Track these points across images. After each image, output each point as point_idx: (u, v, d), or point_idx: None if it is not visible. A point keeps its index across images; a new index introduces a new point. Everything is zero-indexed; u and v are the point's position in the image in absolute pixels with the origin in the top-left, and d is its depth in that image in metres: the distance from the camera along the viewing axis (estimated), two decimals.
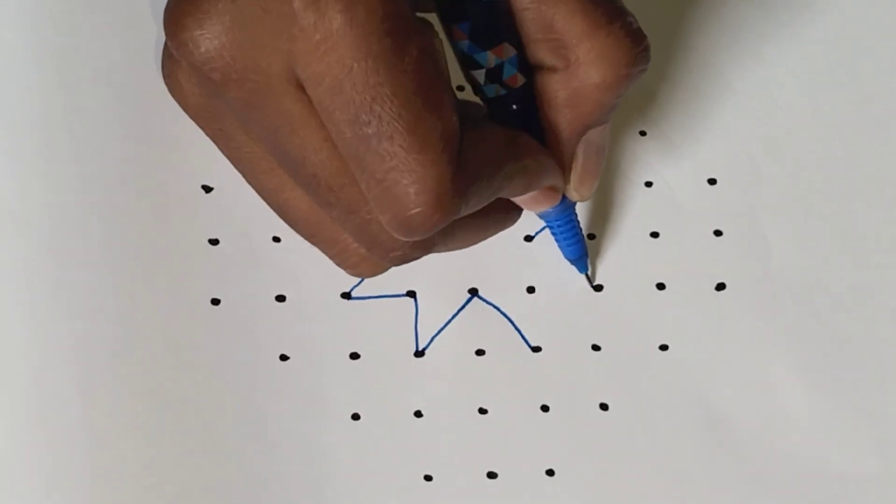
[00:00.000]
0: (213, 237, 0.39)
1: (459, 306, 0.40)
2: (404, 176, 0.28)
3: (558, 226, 0.37)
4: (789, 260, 0.40)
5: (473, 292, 0.40)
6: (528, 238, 0.40)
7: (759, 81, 0.41)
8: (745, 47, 0.42)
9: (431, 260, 0.40)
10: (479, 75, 0.31)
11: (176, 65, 0.33)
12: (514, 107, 0.32)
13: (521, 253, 0.40)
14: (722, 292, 0.40)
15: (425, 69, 0.28)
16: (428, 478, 0.39)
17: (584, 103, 0.32)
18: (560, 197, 0.35)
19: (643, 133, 0.41)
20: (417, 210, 0.28)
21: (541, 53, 0.31)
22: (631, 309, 0.40)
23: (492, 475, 0.39)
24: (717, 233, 0.40)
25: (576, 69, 0.31)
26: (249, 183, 0.34)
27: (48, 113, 0.40)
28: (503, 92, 0.32)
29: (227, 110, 0.31)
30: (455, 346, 0.40)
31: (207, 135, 0.34)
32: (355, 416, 0.39)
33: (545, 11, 0.30)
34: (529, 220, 0.40)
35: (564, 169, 0.34)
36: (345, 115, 0.28)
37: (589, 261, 0.39)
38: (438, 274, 0.40)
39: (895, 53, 0.42)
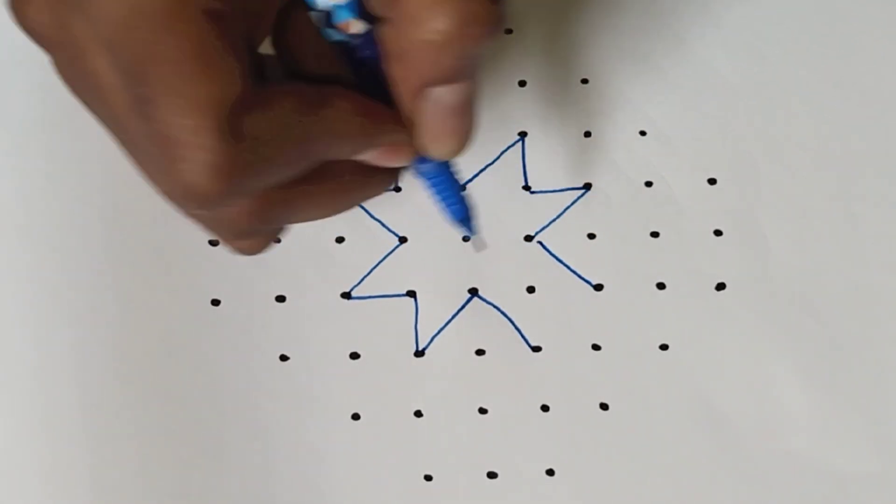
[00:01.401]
0: (214, 238, 0.39)
1: (459, 306, 0.40)
2: (176, 142, 0.26)
3: (433, 184, 0.34)
4: (789, 260, 0.40)
5: (473, 292, 0.40)
6: (528, 238, 0.40)
7: (759, 81, 0.41)
8: (745, 47, 0.42)
9: (431, 260, 0.40)
10: (315, 17, 0.29)
11: None
12: (360, 55, 0.30)
13: (520, 253, 0.40)
14: (722, 292, 0.40)
15: (204, 32, 0.26)
16: (428, 477, 0.39)
17: (416, 60, 0.28)
18: (412, 152, 0.32)
19: (643, 133, 0.41)
20: (191, 180, 0.26)
21: (374, 3, 0.29)
22: (631, 309, 0.40)
23: (492, 475, 0.39)
24: (717, 233, 0.40)
25: (406, 24, 0.28)
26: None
27: (48, 114, 0.40)
28: (340, 37, 0.30)
29: (63, 78, 0.30)
30: (455, 345, 0.40)
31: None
32: (355, 416, 0.39)
33: None
34: (529, 220, 0.40)
35: (408, 123, 0.31)
36: (122, 77, 0.26)
37: (475, 222, 0.35)
38: (438, 274, 0.40)
39: (895, 53, 0.41)
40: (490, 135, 0.41)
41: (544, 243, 0.40)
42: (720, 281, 0.40)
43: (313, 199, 0.31)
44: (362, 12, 0.29)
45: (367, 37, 0.30)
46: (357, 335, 0.40)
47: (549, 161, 0.41)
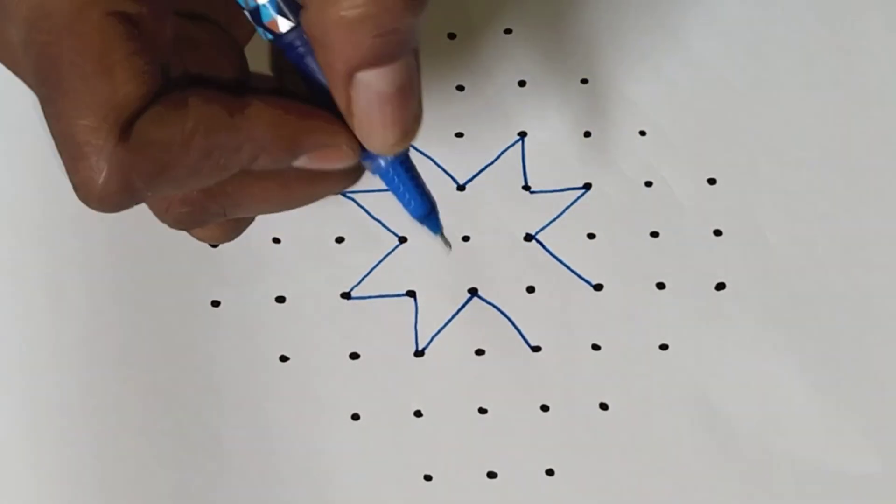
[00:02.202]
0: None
1: (459, 306, 0.40)
2: (72, 142, 0.26)
3: (388, 180, 0.32)
4: (789, 259, 0.40)
5: (473, 292, 0.40)
6: (528, 238, 0.40)
7: (760, 81, 0.41)
8: (745, 47, 0.42)
9: (431, 260, 0.40)
10: (247, 16, 0.29)
11: None
12: (292, 55, 0.29)
13: (520, 253, 0.40)
14: (722, 292, 0.40)
15: (107, 33, 0.26)
16: (428, 477, 0.39)
17: (335, 42, 0.27)
18: (352, 153, 0.30)
19: (643, 133, 0.41)
20: (83, 180, 0.26)
21: None
22: (631, 308, 0.40)
23: (492, 475, 0.39)
24: (717, 232, 0.40)
25: (320, 4, 0.27)
26: None
27: None
28: (270, 36, 0.29)
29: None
30: (455, 345, 0.40)
31: None
32: (355, 416, 0.39)
33: None
34: (529, 220, 0.40)
35: (345, 116, 0.29)
36: (27, 77, 0.27)
37: (440, 218, 0.34)
38: (438, 274, 0.40)
39: (895, 53, 0.41)
40: (490, 134, 0.41)
41: (544, 243, 0.40)
42: (720, 281, 0.40)
43: (260, 194, 0.30)
44: (289, 7, 0.28)
45: (299, 35, 0.28)
46: (357, 335, 0.40)
47: (548, 161, 0.41)
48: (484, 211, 0.41)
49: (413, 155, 0.41)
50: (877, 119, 0.41)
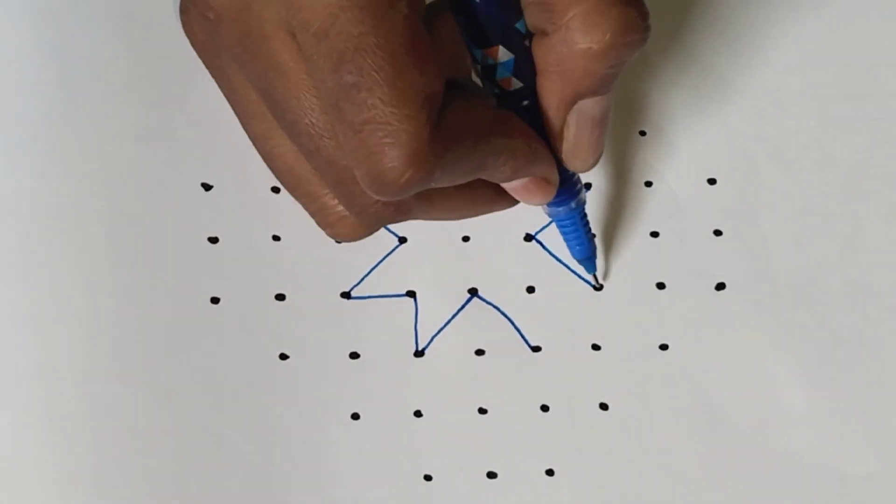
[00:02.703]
0: (213, 235, 0.39)
1: (459, 306, 0.40)
2: (380, 128, 0.28)
3: (567, 224, 0.37)
4: (789, 260, 0.40)
5: (473, 292, 0.40)
6: (528, 237, 0.40)
7: (760, 81, 0.41)
8: (745, 47, 0.42)
9: (431, 259, 0.40)
10: (477, 69, 0.32)
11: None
12: (516, 106, 0.32)
13: (520, 253, 0.40)
14: (722, 292, 0.40)
15: (411, 28, 0.28)
16: (428, 477, 0.39)
17: (572, 70, 0.30)
18: (554, 191, 0.34)
19: (643, 133, 0.41)
20: (391, 165, 0.28)
21: (533, 17, 0.30)
22: (631, 308, 0.40)
23: (491, 475, 0.39)
24: (717, 232, 0.40)
25: (564, 33, 0.29)
26: (243, 127, 0.34)
27: (47, 112, 0.40)
28: (498, 91, 0.32)
29: (224, 49, 0.31)
30: (455, 345, 0.40)
31: (210, 73, 0.34)
32: (355, 416, 0.39)
33: None
34: (529, 219, 0.40)
35: (555, 138, 0.33)
36: (328, 63, 0.28)
37: (597, 261, 0.39)
38: (438, 274, 0.40)
39: (895, 53, 0.42)
40: None
41: (544, 243, 0.40)
42: (720, 281, 0.40)
43: (448, 202, 0.33)
44: (520, 71, 0.31)
45: (525, 92, 0.32)
46: (357, 335, 0.39)
47: None
48: None
49: None
50: (877, 119, 0.41)
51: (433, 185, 0.29)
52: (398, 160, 0.28)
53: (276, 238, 0.40)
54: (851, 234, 0.40)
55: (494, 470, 0.39)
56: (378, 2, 0.27)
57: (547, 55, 0.30)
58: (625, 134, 0.41)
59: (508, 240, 0.40)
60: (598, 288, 0.40)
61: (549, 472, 0.39)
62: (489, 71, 0.31)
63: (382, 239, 0.40)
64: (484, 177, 0.31)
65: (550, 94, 0.31)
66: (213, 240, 0.39)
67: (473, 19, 0.30)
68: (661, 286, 0.40)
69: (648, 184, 0.41)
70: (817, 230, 0.40)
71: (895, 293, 0.40)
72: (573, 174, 0.35)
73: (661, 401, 0.39)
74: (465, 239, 0.40)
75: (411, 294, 0.40)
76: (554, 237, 0.40)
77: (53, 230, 0.39)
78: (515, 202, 0.35)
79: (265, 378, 0.39)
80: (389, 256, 0.40)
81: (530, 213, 0.41)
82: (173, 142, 0.39)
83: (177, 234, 0.39)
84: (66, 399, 0.38)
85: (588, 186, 0.41)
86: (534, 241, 0.40)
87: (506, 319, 0.40)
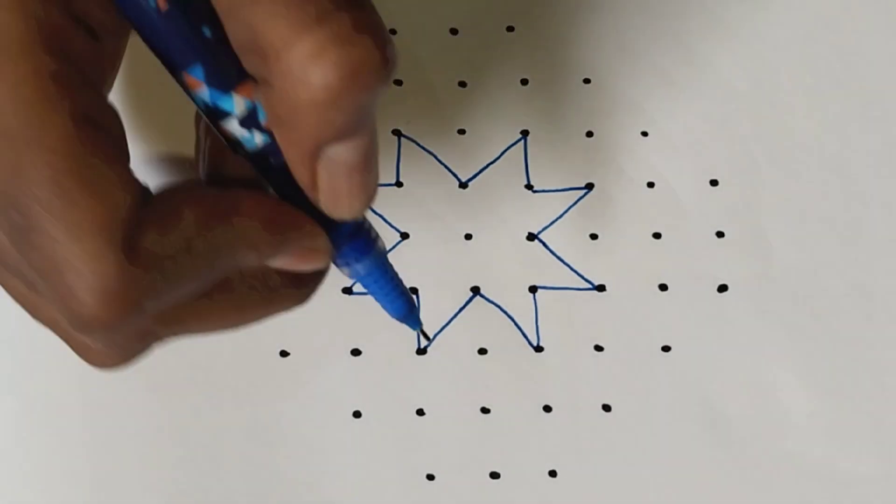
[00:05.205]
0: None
1: (461, 304, 0.39)
2: (64, 272, 0.23)
3: (370, 281, 0.31)
4: (791, 261, 0.40)
5: (475, 291, 0.40)
6: (531, 237, 0.40)
7: (761, 83, 0.42)
8: (746, 48, 0.42)
9: (433, 257, 0.39)
10: (233, 127, 0.26)
11: None
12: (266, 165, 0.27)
13: (523, 252, 0.40)
14: (724, 293, 0.40)
15: (76, 141, 0.23)
16: (430, 477, 0.38)
17: (303, 122, 0.25)
18: (327, 256, 0.29)
19: (645, 134, 0.41)
20: (86, 310, 0.24)
21: (250, 66, 0.25)
22: (633, 310, 0.40)
23: (494, 475, 0.38)
24: (719, 234, 0.40)
25: (286, 84, 0.24)
26: None
27: None
28: (267, 140, 0.26)
29: None
30: (457, 344, 0.39)
31: None
32: (356, 414, 0.38)
33: (244, 13, 0.24)
34: (531, 219, 0.40)
35: (310, 191, 0.27)
36: None
37: (419, 315, 0.34)
38: (440, 271, 0.39)
39: (895, 53, 0.42)
40: (492, 132, 0.41)
41: (546, 243, 0.40)
42: (722, 282, 0.40)
43: (211, 315, 0.28)
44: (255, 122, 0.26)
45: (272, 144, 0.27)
46: (358, 332, 0.39)
47: (551, 160, 0.41)
48: (486, 209, 0.40)
49: (416, 151, 0.41)
50: (877, 119, 0.41)
51: (157, 311, 0.25)
52: (92, 304, 0.24)
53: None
54: (853, 236, 0.41)
55: (497, 470, 0.38)
56: (28, 124, 0.23)
57: (275, 107, 0.25)
58: (626, 135, 0.41)
59: (511, 239, 0.40)
60: (600, 289, 0.40)
61: (552, 474, 0.38)
62: (250, 118, 0.26)
63: (384, 235, 0.39)
64: (229, 275, 0.27)
65: (288, 146, 0.26)
66: None
67: (213, 56, 0.25)
68: (663, 288, 0.40)
69: (650, 185, 0.41)
70: (819, 232, 0.41)
71: (895, 293, 0.40)
72: (363, 222, 0.29)
73: (663, 402, 0.39)
74: (468, 237, 0.40)
75: (413, 291, 0.39)
76: (556, 237, 0.40)
77: None
78: (304, 296, 0.30)
79: (266, 376, 0.38)
80: (391, 253, 0.40)
81: (533, 213, 0.40)
82: (173, 141, 0.39)
83: None
84: (66, 398, 0.38)
85: (590, 186, 0.41)
86: (536, 241, 0.40)
87: (508, 318, 0.39)
